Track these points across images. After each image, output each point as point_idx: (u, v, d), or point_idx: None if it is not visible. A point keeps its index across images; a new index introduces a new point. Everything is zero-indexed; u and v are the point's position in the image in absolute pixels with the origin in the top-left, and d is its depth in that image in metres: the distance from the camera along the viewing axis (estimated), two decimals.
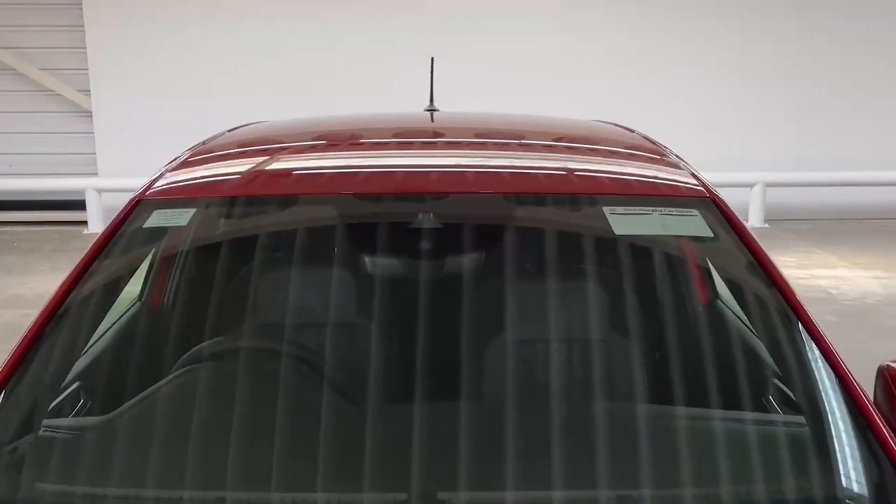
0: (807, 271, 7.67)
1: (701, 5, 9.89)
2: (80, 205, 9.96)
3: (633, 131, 2.86)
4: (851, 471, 1.54)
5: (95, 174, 10.11)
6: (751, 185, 9.61)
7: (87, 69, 10.02)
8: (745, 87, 9.96)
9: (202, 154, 2.42)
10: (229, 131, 2.92)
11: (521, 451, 1.51)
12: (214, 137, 2.78)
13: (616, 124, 3.08)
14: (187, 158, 2.40)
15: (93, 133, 10.19)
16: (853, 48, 9.88)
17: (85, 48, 9.97)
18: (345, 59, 9.77)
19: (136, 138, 9.98)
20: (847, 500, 1.48)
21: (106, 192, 9.79)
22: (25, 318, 6.44)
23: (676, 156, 2.46)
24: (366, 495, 1.48)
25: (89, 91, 10.09)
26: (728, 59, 9.94)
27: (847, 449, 1.58)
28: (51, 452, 1.66)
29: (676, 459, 1.58)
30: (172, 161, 2.44)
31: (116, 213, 2.13)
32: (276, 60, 9.81)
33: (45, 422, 1.73)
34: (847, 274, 7.59)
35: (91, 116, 10.17)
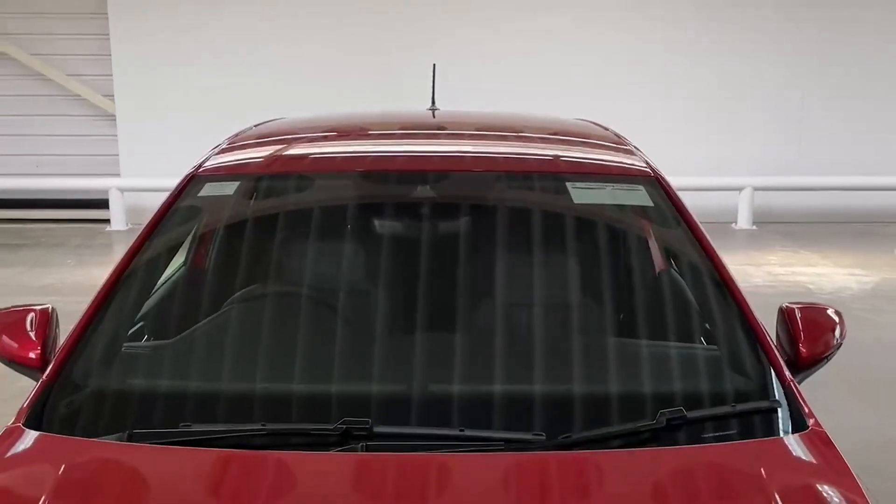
0: (788, 269, 8.14)
1: (697, 19, 10.39)
2: (102, 203, 10.49)
3: (606, 129, 3.34)
4: (746, 377, 2.03)
5: (118, 175, 10.64)
6: (739, 189, 10.09)
7: (112, 75, 10.57)
8: (736, 96, 10.44)
9: (238, 142, 2.92)
10: (256, 126, 3.41)
11: (485, 353, 2.02)
12: (245, 130, 3.27)
13: (592, 122, 3.56)
14: (226, 146, 2.89)
15: (116, 136, 10.73)
16: (837, 58, 10.37)
17: (110, 55, 10.52)
18: (356, 68, 10.27)
19: (156, 141, 10.52)
20: (741, 393, 1.97)
21: (128, 191, 10.34)
22: (58, 302, 7.09)
23: (634, 147, 2.94)
24: (374, 386, 1.98)
25: (113, 96, 10.64)
26: (719, 69, 10.43)
27: (747, 364, 2.06)
28: (133, 363, 2.17)
29: (623, 368, 2.08)
30: (214, 148, 2.93)
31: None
32: (291, 68, 10.31)
33: (125, 345, 2.23)
34: (827, 271, 8.06)
35: (115, 120, 10.71)
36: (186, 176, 2.62)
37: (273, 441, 1.77)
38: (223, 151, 2.79)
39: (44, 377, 2.01)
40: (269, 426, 1.78)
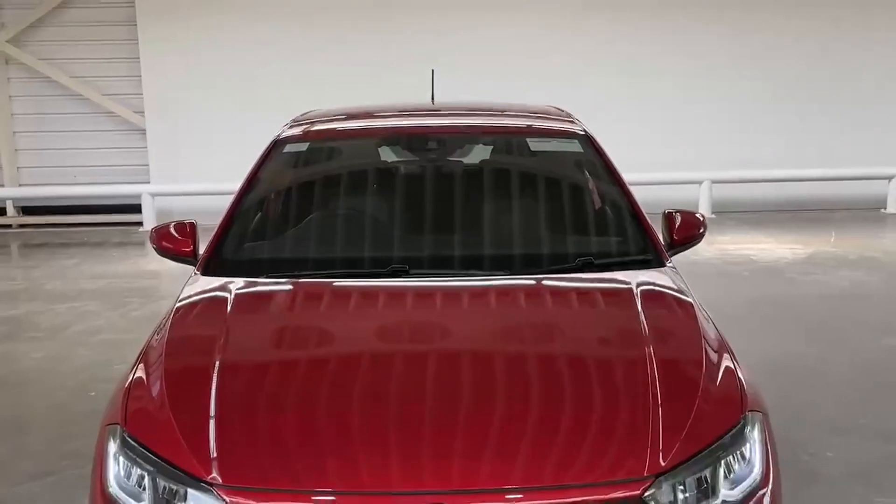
0: (737, 245, 9.46)
1: (663, 35, 11.77)
2: (131, 208, 11.77)
3: (561, 110, 4.62)
4: (636, 243, 3.31)
5: (148, 182, 11.93)
6: (699, 182, 11.44)
7: (142, 94, 11.88)
8: (696, 101, 11.81)
9: (299, 122, 4.19)
10: (304, 113, 4.67)
11: (472, 230, 3.37)
12: (300, 115, 4.54)
13: (554, 106, 4.85)
14: (292, 124, 4.16)
15: (146, 147, 12.03)
16: (784, 65, 11.77)
17: (140, 76, 11.84)
18: (365, 76, 11.53)
19: (182, 151, 11.83)
20: (630, 250, 3.26)
21: (158, 195, 11.62)
22: (111, 283, 8.46)
23: (577, 119, 4.22)
24: (406, 251, 3.29)
25: (143, 112, 11.94)
26: (679, 79, 11.81)
27: (635, 236, 3.34)
28: (258, 242, 3.45)
29: (564, 238, 3.38)
30: (285, 125, 4.19)
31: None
32: (307, 84, 11.51)
33: (250, 235, 3.50)
34: (769, 247, 9.38)
35: (145, 134, 12.02)
36: (272, 141, 3.89)
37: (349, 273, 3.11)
38: (291, 127, 4.07)
39: (203, 253, 3.29)
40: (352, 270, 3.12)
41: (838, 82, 11.86)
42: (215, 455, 2.12)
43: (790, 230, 10.38)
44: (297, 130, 3.96)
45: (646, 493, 2.04)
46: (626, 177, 3.68)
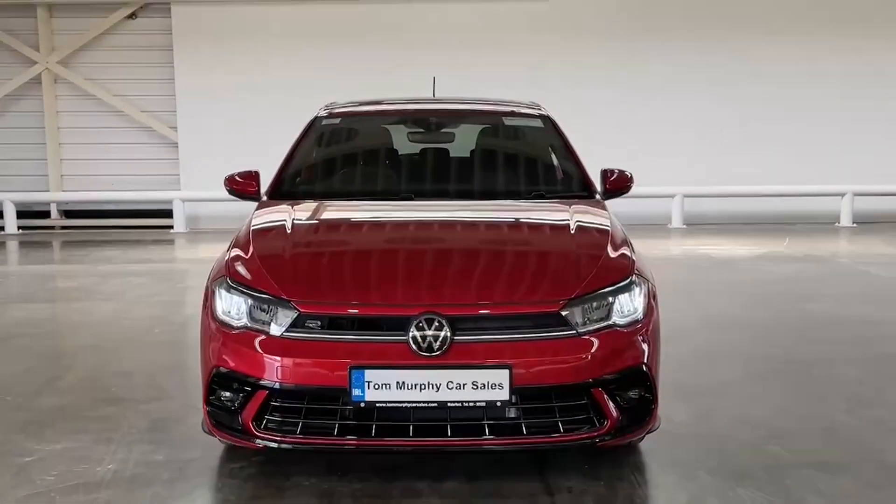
0: (700, 247, 10.76)
1: (645, 62, 13.17)
2: (164, 213, 13.10)
3: (535, 103, 5.91)
4: (578, 188, 4.61)
5: (179, 189, 13.27)
6: (672, 196, 12.77)
7: (176, 111, 13.27)
8: (666, 121, 13.18)
9: (331, 107, 5.50)
10: (332, 102, 5.97)
11: (460, 176, 4.69)
12: (331, 103, 5.84)
13: (533, 102, 6.14)
14: (325, 106, 5.47)
15: (177, 159, 13.39)
16: (749, 88, 13.17)
17: (174, 95, 13.24)
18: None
19: (209, 162, 13.14)
20: (572, 190, 4.56)
21: (187, 201, 12.95)
22: (153, 268, 9.94)
23: (542, 107, 5.51)
24: (413, 186, 4.59)
25: (176, 127, 13.32)
26: (653, 102, 13.19)
27: (578, 184, 4.64)
28: (302, 185, 4.73)
29: (525, 183, 4.69)
30: (320, 108, 5.50)
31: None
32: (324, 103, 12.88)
33: (298, 181, 4.79)
34: (727, 247, 10.68)
35: (177, 146, 13.39)
36: (312, 118, 5.20)
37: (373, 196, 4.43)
38: (325, 109, 5.39)
39: (267, 188, 4.59)
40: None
41: (797, 110, 13.25)
42: (290, 283, 3.40)
43: (748, 236, 11.67)
44: (329, 111, 5.28)
45: (562, 310, 3.30)
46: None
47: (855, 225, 12.85)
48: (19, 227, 12.94)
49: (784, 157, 13.21)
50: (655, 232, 11.98)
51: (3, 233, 12.87)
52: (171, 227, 12.99)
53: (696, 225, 12.85)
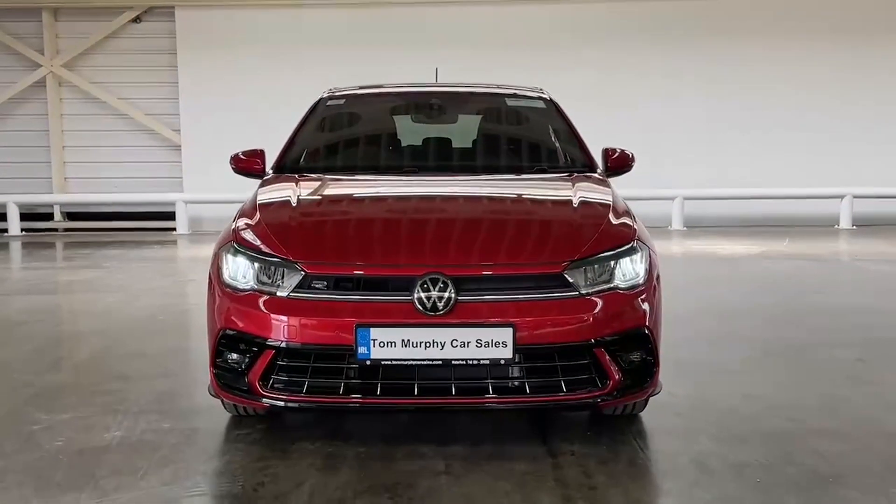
0: (701, 246, 10.83)
1: (648, 67, 13.28)
2: (166, 215, 13.17)
3: (540, 88, 5.97)
4: (580, 163, 4.65)
5: (182, 191, 13.34)
6: (672, 199, 12.84)
7: (179, 114, 13.36)
8: (666, 128, 13.27)
9: (335, 90, 5.57)
10: (332, 88, 6.03)
11: (462, 154, 4.76)
12: (332, 88, 5.91)
13: (536, 87, 6.20)
14: (329, 90, 5.53)
15: (181, 161, 13.47)
16: (746, 96, 13.27)
17: (178, 99, 13.34)
18: None
19: (211, 165, 13.19)
20: (575, 167, 4.61)
21: (190, 203, 13.02)
22: (153, 264, 10.03)
23: (546, 91, 5.58)
24: (415, 161, 4.65)
25: (179, 130, 13.41)
26: (654, 110, 13.29)
27: (580, 160, 4.69)
28: (305, 162, 4.78)
29: (529, 158, 4.76)
30: (324, 91, 5.56)
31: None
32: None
33: (302, 158, 4.84)
34: (728, 247, 10.74)
35: (180, 149, 13.47)
36: (318, 98, 5.27)
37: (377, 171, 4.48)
38: (329, 92, 5.45)
39: (272, 163, 4.64)
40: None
41: (796, 113, 13.34)
42: (296, 245, 3.44)
43: (746, 237, 11.75)
44: (333, 93, 5.35)
45: (564, 272, 3.35)
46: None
47: (854, 227, 12.91)
48: (22, 230, 13.01)
49: (783, 160, 13.30)
50: (656, 234, 11.85)
51: (6, 234, 12.93)
52: (174, 229, 13.05)
53: (697, 227, 12.91)
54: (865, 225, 13.00)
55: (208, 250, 3.74)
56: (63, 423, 3.89)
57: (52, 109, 13.45)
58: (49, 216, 13.60)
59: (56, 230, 13.56)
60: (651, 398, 3.72)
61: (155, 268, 9.37)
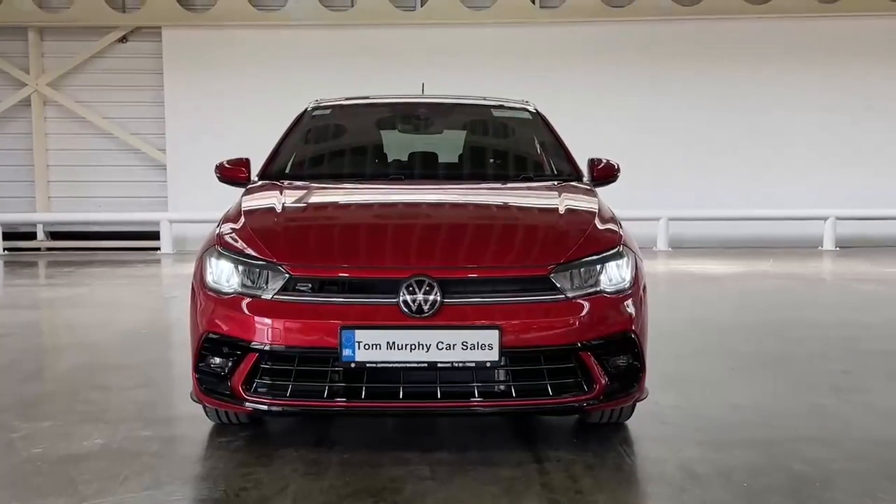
0: (685, 266, 10.86)
1: (633, 88, 13.38)
2: (150, 235, 13.09)
3: (526, 100, 5.99)
4: (565, 172, 4.66)
5: (167, 210, 13.28)
6: (657, 219, 12.89)
7: (165, 134, 13.34)
8: (652, 146, 13.35)
9: (322, 101, 5.57)
10: (317, 99, 6.03)
11: (448, 160, 4.74)
12: (321, 100, 5.91)
13: (524, 99, 6.22)
14: (316, 100, 5.53)
15: (166, 181, 13.42)
16: (736, 119, 13.39)
17: (163, 118, 13.32)
18: None
19: (196, 185, 13.17)
20: (561, 175, 4.61)
21: (175, 222, 12.95)
22: (137, 281, 9.95)
23: (532, 103, 5.60)
24: (402, 169, 4.63)
25: (165, 149, 13.37)
26: (637, 138, 13.38)
27: (567, 169, 4.69)
28: (291, 170, 4.75)
29: (514, 167, 4.77)
30: (311, 102, 5.55)
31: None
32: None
33: (288, 165, 4.82)
34: (711, 267, 10.77)
35: (165, 168, 13.42)
36: (304, 109, 5.26)
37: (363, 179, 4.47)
38: (315, 102, 5.45)
39: (258, 172, 4.62)
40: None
41: (781, 136, 13.46)
42: (281, 248, 3.41)
43: (729, 257, 11.80)
44: (320, 103, 5.35)
45: (551, 275, 3.34)
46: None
47: (838, 249, 12.99)
48: (5, 249, 12.90)
49: (767, 182, 13.39)
50: (643, 255, 12.03)
51: None
52: (158, 248, 12.98)
53: (681, 248, 12.96)
54: (849, 247, 13.09)
55: (192, 269, 3.70)
56: (42, 430, 3.83)
57: (37, 128, 13.41)
58: (32, 235, 13.50)
59: (39, 249, 13.45)
60: (636, 408, 3.71)
61: (138, 285, 9.30)
